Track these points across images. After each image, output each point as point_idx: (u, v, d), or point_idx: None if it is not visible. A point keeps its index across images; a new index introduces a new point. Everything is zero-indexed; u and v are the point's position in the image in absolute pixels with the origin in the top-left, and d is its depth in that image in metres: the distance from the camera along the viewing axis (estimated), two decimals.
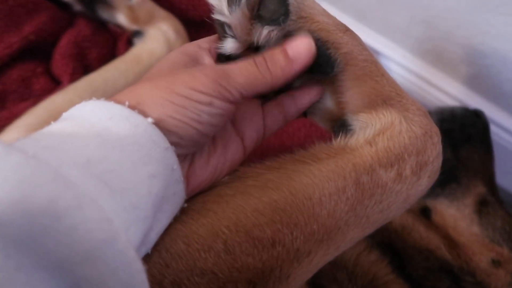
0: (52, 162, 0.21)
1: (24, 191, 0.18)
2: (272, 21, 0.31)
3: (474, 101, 0.69)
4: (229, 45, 0.32)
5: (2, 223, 0.18)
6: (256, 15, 0.31)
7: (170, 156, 0.26)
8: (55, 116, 0.50)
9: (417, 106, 0.33)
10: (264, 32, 0.31)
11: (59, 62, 0.58)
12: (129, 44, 0.65)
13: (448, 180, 0.51)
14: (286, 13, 0.31)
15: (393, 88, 0.33)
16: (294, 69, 0.31)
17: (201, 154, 0.31)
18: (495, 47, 0.62)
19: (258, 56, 0.31)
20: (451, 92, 0.70)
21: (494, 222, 0.47)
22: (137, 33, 0.63)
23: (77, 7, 0.64)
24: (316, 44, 0.31)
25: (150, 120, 0.26)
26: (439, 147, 0.33)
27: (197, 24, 0.68)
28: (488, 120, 0.58)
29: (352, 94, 0.33)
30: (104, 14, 0.64)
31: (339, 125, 0.34)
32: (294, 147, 0.63)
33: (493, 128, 0.68)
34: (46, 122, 0.50)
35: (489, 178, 0.54)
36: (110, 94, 0.56)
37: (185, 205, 0.29)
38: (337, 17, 0.78)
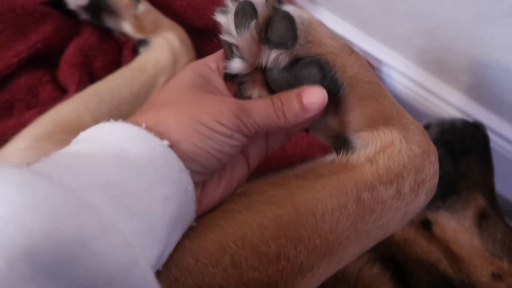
0: (74, 184, 0.22)
1: (53, 222, 0.19)
2: (281, 45, 0.31)
3: (475, 111, 0.70)
4: (236, 65, 0.33)
5: (36, 254, 0.19)
6: (264, 38, 0.32)
7: (185, 178, 0.27)
8: (62, 125, 0.52)
9: (416, 125, 0.34)
10: (272, 56, 0.32)
11: (66, 71, 0.59)
12: (134, 52, 0.66)
13: (448, 192, 0.51)
14: (295, 37, 0.32)
15: (394, 108, 0.34)
16: (306, 117, 0.32)
17: (213, 178, 0.32)
18: (497, 58, 0.63)
19: (276, 99, 0.32)
20: (453, 102, 0.71)
21: (494, 235, 0.48)
22: (143, 42, 0.64)
23: (84, 15, 0.65)
24: (324, 68, 0.32)
25: (166, 143, 0.27)
26: (436, 166, 0.34)
27: (202, 32, 0.69)
28: (487, 133, 0.59)
29: (355, 113, 0.34)
30: (110, 22, 0.65)
31: (341, 142, 0.35)
32: (297, 156, 0.64)
33: (494, 138, 0.69)
34: (53, 132, 0.51)
35: (489, 190, 0.54)
36: (115, 103, 0.57)
37: (194, 223, 0.30)
38: (340, 26, 0.78)
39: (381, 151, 0.33)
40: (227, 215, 0.30)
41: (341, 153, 0.34)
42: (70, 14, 0.65)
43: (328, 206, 0.30)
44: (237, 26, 0.31)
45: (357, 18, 0.74)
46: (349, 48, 0.34)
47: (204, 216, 0.31)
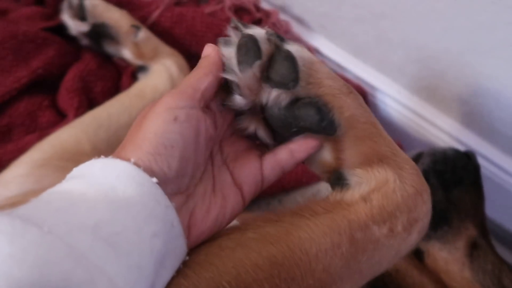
0: (63, 229, 0.23)
1: (41, 271, 0.20)
2: (282, 85, 0.32)
3: (467, 138, 0.71)
4: (237, 102, 0.33)
5: None
6: (266, 77, 0.32)
7: (170, 213, 0.28)
8: (60, 152, 0.52)
9: (411, 165, 0.35)
10: (273, 94, 0.32)
11: (65, 96, 0.60)
12: (133, 77, 0.67)
13: (440, 222, 0.52)
14: (296, 79, 0.32)
15: (389, 148, 0.35)
16: None
17: (202, 205, 0.32)
18: (488, 87, 0.65)
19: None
20: (445, 128, 0.72)
21: (484, 266, 0.48)
22: (141, 68, 0.65)
23: (84, 41, 0.66)
24: (322, 109, 0.33)
25: (154, 180, 0.27)
26: (429, 205, 0.34)
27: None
28: (478, 162, 0.60)
29: (351, 152, 0.34)
30: (110, 49, 0.66)
31: (336, 178, 0.35)
32: (292, 182, 0.64)
33: (486, 165, 0.70)
34: (51, 158, 0.52)
35: (480, 221, 0.55)
36: (114, 129, 0.58)
37: (187, 258, 0.30)
38: (335, 53, 0.80)
39: (375, 190, 0.33)
40: (222, 252, 0.31)
41: (335, 189, 0.35)
42: (71, 39, 0.66)
43: (322, 246, 0.31)
44: (240, 62, 0.31)
45: (352, 46, 0.76)
46: (347, 89, 0.34)
47: (200, 251, 0.31)
